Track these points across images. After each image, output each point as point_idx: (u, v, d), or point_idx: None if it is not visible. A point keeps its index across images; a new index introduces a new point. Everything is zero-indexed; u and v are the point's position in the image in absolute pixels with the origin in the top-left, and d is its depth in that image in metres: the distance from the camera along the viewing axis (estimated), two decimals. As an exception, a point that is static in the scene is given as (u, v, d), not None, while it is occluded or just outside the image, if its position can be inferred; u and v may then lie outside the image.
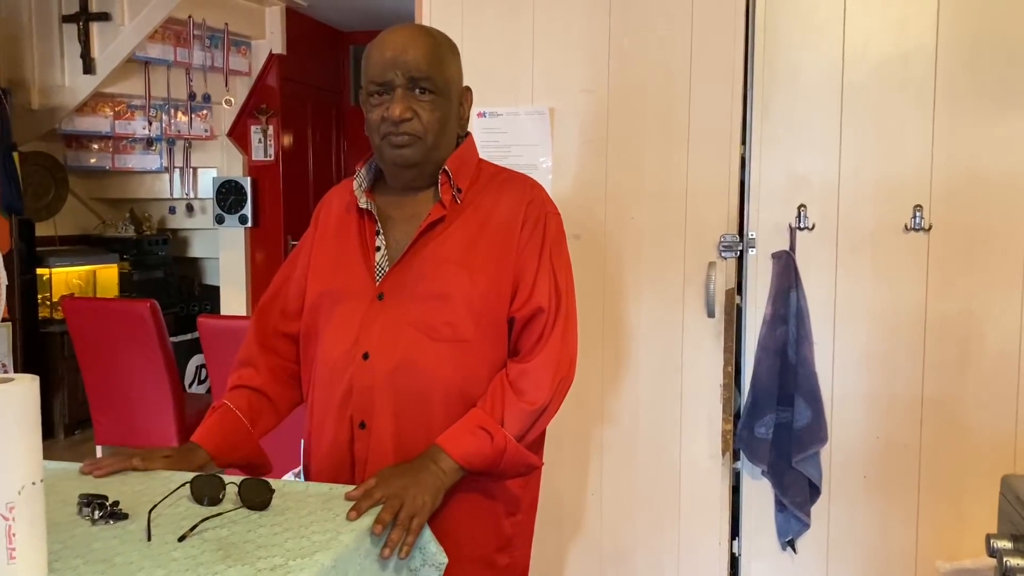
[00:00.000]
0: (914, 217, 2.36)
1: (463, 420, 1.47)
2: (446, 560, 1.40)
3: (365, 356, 1.48)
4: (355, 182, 1.58)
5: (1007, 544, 1.49)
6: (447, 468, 1.41)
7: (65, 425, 4.94)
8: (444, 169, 1.53)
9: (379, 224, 1.54)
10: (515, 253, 1.52)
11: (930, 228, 2.36)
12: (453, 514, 1.48)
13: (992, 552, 1.50)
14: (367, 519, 1.24)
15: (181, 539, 1.14)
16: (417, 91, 1.47)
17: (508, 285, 1.52)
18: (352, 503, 1.28)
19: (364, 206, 1.54)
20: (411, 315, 1.48)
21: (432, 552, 1.38)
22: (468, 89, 1.59)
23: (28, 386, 0.97)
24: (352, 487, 1.35)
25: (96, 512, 1.20)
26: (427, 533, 1.38)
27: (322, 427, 1.55)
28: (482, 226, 1.53)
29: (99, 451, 3.79)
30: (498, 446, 1.45)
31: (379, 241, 1.53)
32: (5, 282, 1.56)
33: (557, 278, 1.55)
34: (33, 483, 0.98)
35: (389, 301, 1.50)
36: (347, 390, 1.49)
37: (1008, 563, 1.43)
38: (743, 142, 2.47)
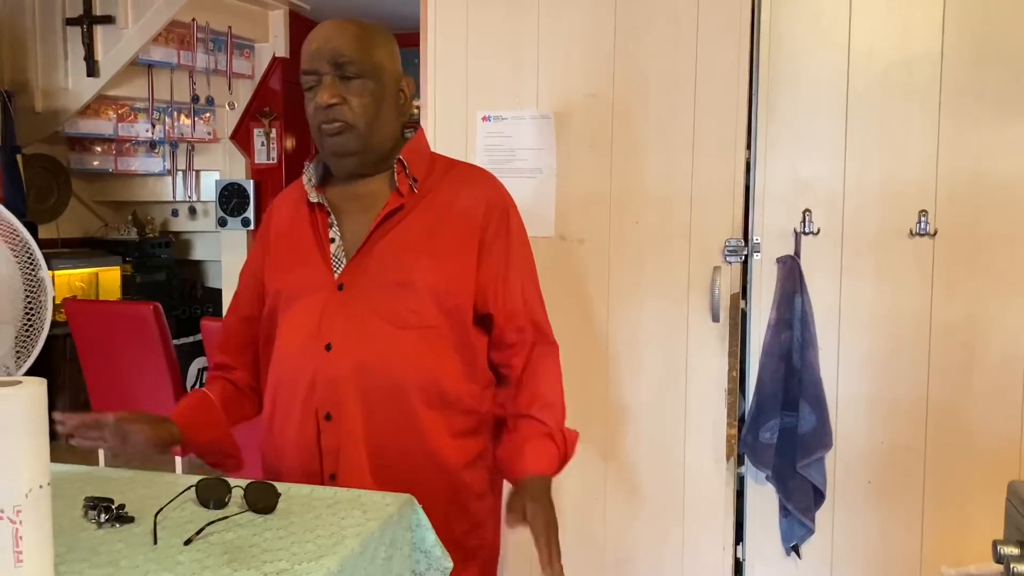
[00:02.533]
0: (919, 222, 2.36)
1: (526, 439, 1.54)
2: (451, 565, 1.40)
3: (328, 348, 1.48)
4: (304, 178, 1.59)
5: (1014, 550, 1.49)
6: (549, 482, 1.51)
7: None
8: (399, 159, 1.54)
9: (332, 216, 1.55)
10: (479, 244, 1.54)
11: (935, 233, 2.36)
12: (421, 498, 1.47)
13: (999, 558, 1.50)
14: (373, 522, 1.24)
15: (187, 543, 1.14)
16: (344, 77, 1.48)
17: (471, 274, 1.53)
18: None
19: (315, 199, 1.55)
20: (375, 304, 1.49)
21: (437, 556, 1.38)
22: (410, 80, 1.59)
23: (36, 389, 0.97)
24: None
25: (102, 515, 1.20)
26: (431, 537, 1.37)
27: (285, 421, 1.54)
28: (442, 215, 1.54)
29: (101, 453, 3.79)
30: (559, 442, 1.54)
31: (333, 232, 1.54)
32: (52, 293, 1.55)
33: (525, 281, 1.61)
34: (40, 486, 0.97)
35: (350, 291, 1.50)
36: (310, 383, 1.49)
37: (1015, 569, 1.42)
38: (748, 147, 2.46)
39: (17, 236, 1.49)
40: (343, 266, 1.51)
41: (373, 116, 1.50)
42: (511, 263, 1.58)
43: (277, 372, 1.56)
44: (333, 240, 1.53)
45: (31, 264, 1.46)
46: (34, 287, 1.45)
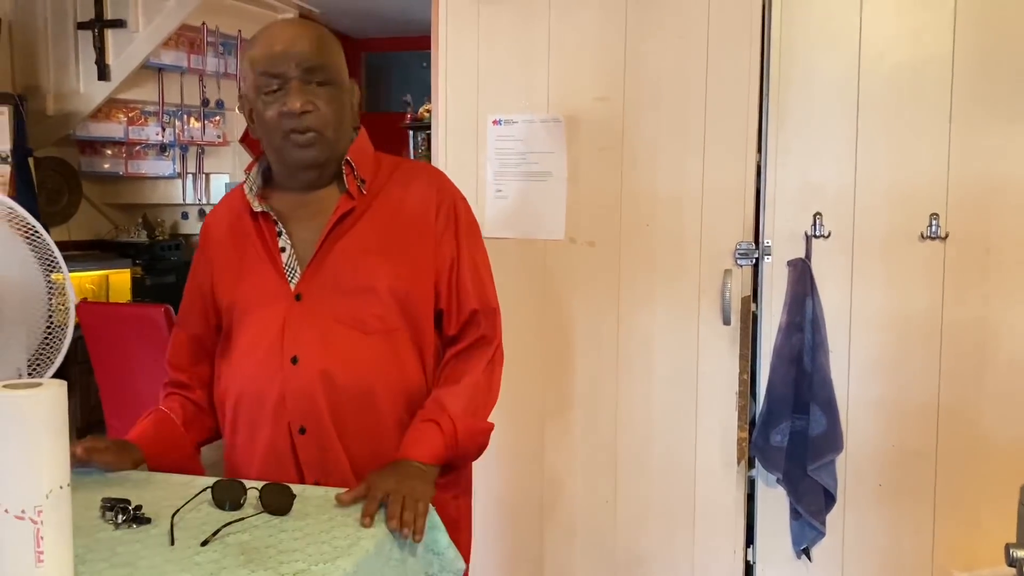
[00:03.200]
0: (930, 225, 2.35)
1: (412, 424, 1.49)
2: (463, 566, 1.40)
3: (294, 360, 1.45)
4: (246, 187, 1.54)
5: (1027, 554, 1.48)
6: (424, 467, 1.43)
7: (78, 429, 4.95)
8: (347, 160, 1.51)
9: (279, 225, 1.51)
10: (432, 242, 1.52)
11: (946, 236, 2.35)
12: None
13: (1011, 562, 1.49)
14: (384, 525, 1.25)
15: (204, 543, 1.15)
16: (313, 84, 1.44)
17: (429, 273, 1.52)
18: (344, 507, 1.30)
19: (259, 209, 1.51)
20: (338, 311, 1.47)
21: (451, 558, 1.39)
22: (356, 84, 1.58)
23: (56, 391, 0.98)
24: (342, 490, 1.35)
25: (119, 516, 1.21)
26: (444, 539, 1.38)
27: (252, 436, 1.51)
28: (394, 215, 1.52)
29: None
30: (447, 430, 1.47)
31: (282, 242, 1.51)
32: (75, 300, 1.56)
33: (480, 271, 1.58)
34: (60, 487, 0.98)
35: (309, 301, 1.47)
36: (279, 397, 1.46)
37: (1029, 573, 1.42)
38: (759, 150, 2.46)
39: (38, 238, 1.50)
40: (298, 275, 1.48)
41: (338, 124, 1.49)
42: (461, 256, 1.56)
43: (238, 387, 1.52)
44: (284, 249, 1.50)
45: (50, 267, 1.47)
46: (52, 290, 1.46)
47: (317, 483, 1.47)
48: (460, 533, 1.61)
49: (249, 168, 1.58)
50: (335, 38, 1.53)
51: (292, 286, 1.48)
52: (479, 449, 1.57)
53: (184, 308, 1.66)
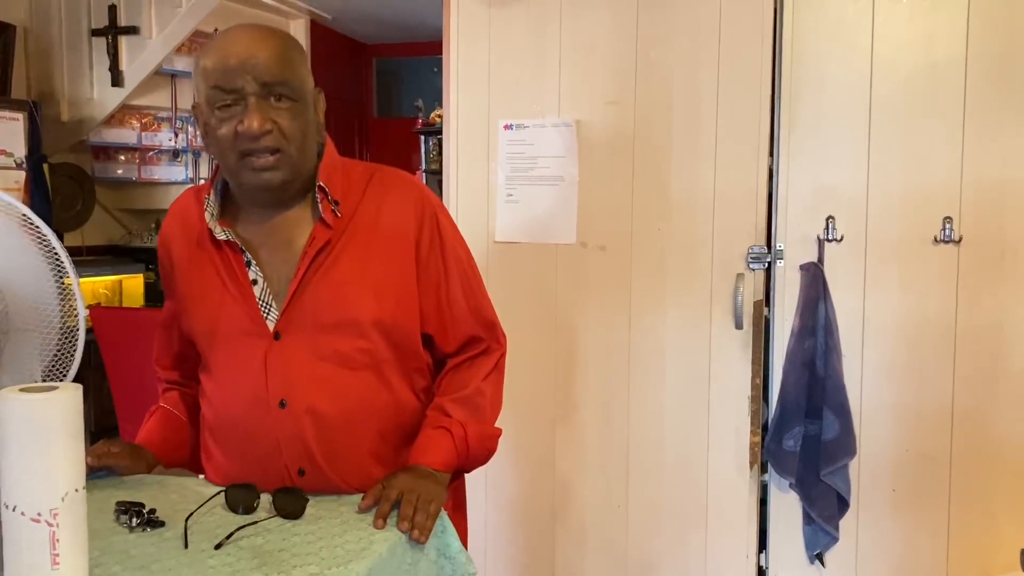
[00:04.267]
0: (943, 229, 2.34)
1: (421, 432, 1.47)
2: (475, 570, 1.40)
3: (282, 404, 1.38)
4: (206, 212, 1.40)
5: (1044, 559, 1.48)
6: (436, 472, 1.41)
7: (91, 433, 4.97)
8: (319, 186, 1.39)
9: (247, 254, 1.39)
10: (413, 263, 1.44)
11: (960, 240, 2.34)
12: None
13: (1028, 567, 1.49)
14: (396, 529, 1.25)
15: (217, 547, 1.15)
16: (272, 99, 1.31)
17: (413, 296, 1.45)
18: (363, 512, 1.29)
19: (223, 237, 1.38)
20: (320, 348, 1.38)
21: (462, 563, 1.38)
22: (320, 91, 1.44)
23: (72, 394, 0.98)
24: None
25: (133, 519, 1.21)
26: (456, 544, 1.38)
27: (251, 474, 1.41)
28: (371, 239, 1.42)
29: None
30: (457, 435, 1.45)
31: (252, 274, 1.39)
32: (84, 306, 1.55)
33: (472, 288, 1.53)
34: (76, 490, 0.99)
35: (289, 340, 1.38)
36: (273, 444, 1.40)
37: (1045, 579, 1.41)
38: (771, 153, 2.46)
39: (47, 243, 1.50)
40: (274, 311, 1.39)
41: (302, 142, 1.35)
42: (449, 278, 1.49)
43: (226, 421, 1.45)
44: (255, 282, 1.39)
45: (61, 272, 1.48)
46: (63, 295, 1.47)
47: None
48: None
49: (206, 188, 1.44)
50: (299, 45, 1.41)
51: (270, 324, 1.38)
52: (488, 454, 1.54)
53: (164, 315, 1.61)
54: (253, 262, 1.40)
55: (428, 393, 1.55)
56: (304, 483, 1.41)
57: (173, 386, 1.63)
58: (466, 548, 1.65)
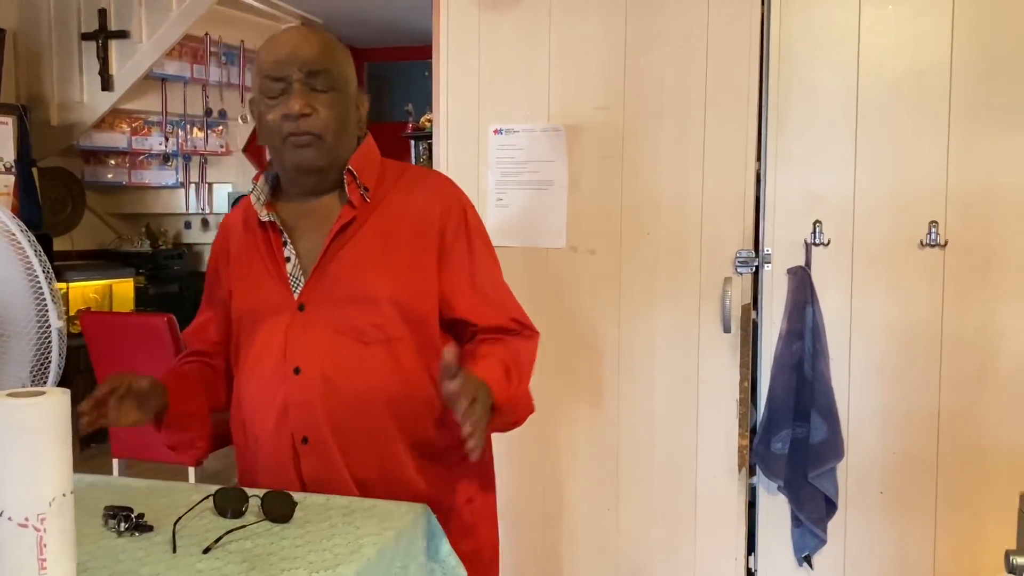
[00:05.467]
0: (929, 233, 2.36)
1: (481, 353, 1.47)
2: (464, 574, 1.41)
3: (296, 371, 1.45)
4: (253, 196, 1.54)
5: (1027, 561, 1.49)
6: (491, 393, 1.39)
7: (81, 438, 4.97)
8: (348, 169, 1.50)
9: (285, 235, 1.51)
10: (438, 249, 1.50)
11: (946, 244, 2.36)
12: None
13: (1011, 568, 1.49)
14: (390, 532, 1.25)
15: (206, 551, 1.15)
16: (315, 86, 1.44)
17: (433, 281, 1.50)
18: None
19: (265, 219, 1.51)
20: (337, 322, 1.46)
21: (452, 566, 1.39)
22: (365, 93, 1.57)
23: (59, 399, 0.99)
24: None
25: (121, 524, 1.22)
26: (446, 547, 1.39)
27: (259, 447, 1.51)
28: (396, 223, 1.51)
29: (115, 464, 3.81)
30: (513, 381, 1.46)
31: (287, 252, 1.51)
32: (57, 324, 1.56)
33: (493, 280, 1.57)
34: (63, 495, 0.99)
35: (311, 311, 1.47)
36: (282, 408, 1.46)
37: (1028, 580, 1.42)
38: (758, 158, 2.48)
39: (23, 246, 1.50)
40: (301, 285, 1.48)
41: (340, 129, 1.48)
42: (475, 264, 1.54)
43: (250, 399, 1.52)
44: (288, 259, 1.50)
45: (46, 277, 1.48)
46: (41, 302, 1.47)
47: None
48: (479, 538, 1.59)
49: (257, 177, 1.58)
50: (344, 47, 1.53)
51: (296, 296, 1.48)
52: (526, 412, 1.52)
53: (204, 316, 1.66)
54: (289, 241, 1.51)
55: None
56: (305, 452, 1.45)
57: (195, 357, 1.64)
58: (496, 536, 1.66)
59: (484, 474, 1.64)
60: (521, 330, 1.57)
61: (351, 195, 1.49)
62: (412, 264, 1.49)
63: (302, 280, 1.49)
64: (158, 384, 1.46)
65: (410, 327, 1.48)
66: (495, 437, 1.59)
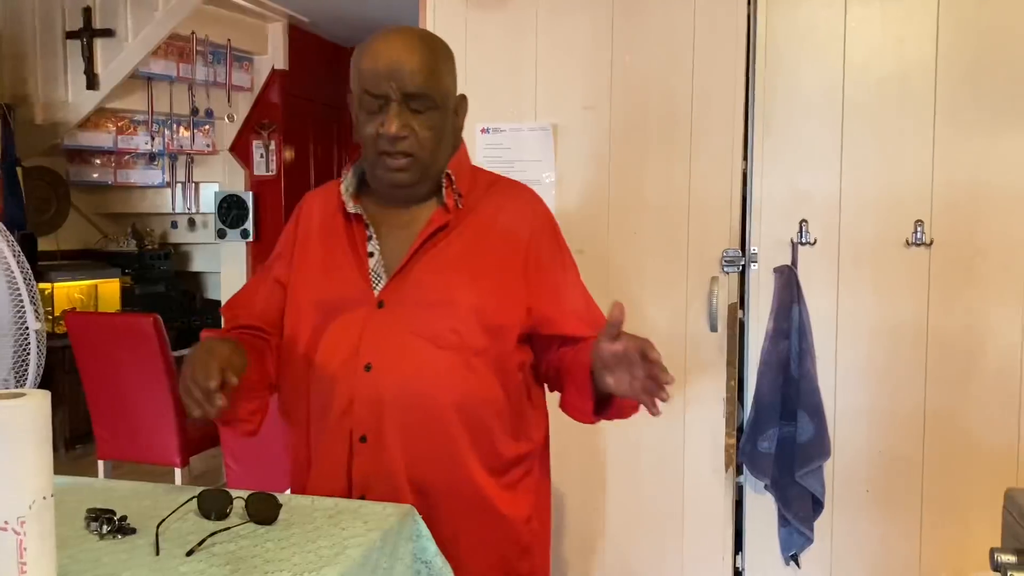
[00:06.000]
0: (915, 232, 2.37)
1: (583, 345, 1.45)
2: (451, 574, 1.40)
3: (367, 368, 1.43)
4: (342, 186, 1.53)
5: (1011, 558, 1.49)
6: None
7: (66, 440, 4.93)
8: (447, 173, 1.49)
9: (371, 229, 1.50)
10: (523, 263, 1.49)
11: (931, 243, 2.37)
12: (467, 522, 1.47)
13: (996, 566, 1.50)
14: (374, 533, 1.25)
15: (189, 553, 1.14)
16: (412, 106, 1.42)
17: (518, 294, 1.48)
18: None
19: (353, 211, 1.50)
20: (415, 323, 1.44)
21: (438, 567, 1.38)
22: (463, 97, 1.54)
23: (40, 401, 0.98)
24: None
25: (104, 527, 1.20)
26: (432, 548, 1.38)
27: (318, 443, 1.49)
28: (484, 233, 1.50)
29: (100, 466, 3.78)
30: None
31: (371, 247, 1.49)
32: (35, 326, 1.54)
33: (586, 298, 1.57)
34: (44, 497, 0.98)
35: (390, 309, 1.45)
36: (347, 403, 1.44)
37: (1013, 577, 1.43)
38: (745, 158, 2.48)
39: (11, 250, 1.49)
40: (383, 283, 1.47)
41: (435, 148, 1.45)
42: (571, 282, 1.55)
43: (315, 389, 1.49)
44: (372, 255, 1.49)
45: (25, 278, 1.46)
46: (19, 303, 1.46)
47: (363, 496, 1.44)
48: (535, 559, 1.58)
49: (347, 168, 1.56)
50: (449, 54, 1.49)
51: (376, 292, 1.46)
52: (632, 408, 1.48)
53: (253, 290, 1.61)
54: (374, 236, 1.50)
55: (521, 390, 1.53)
56: (362, 451, 1.44)
57: (246, 329, 1.56)
58: (548, 559, 1.64)
59: (542, 495, 1.62)
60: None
61: (447, 198, 1.48)
62: (497, 275, 1.48)
63: (384, 278, 1.47)
64: (239, 348, 1.40)
65: (488, 336, 1.46)
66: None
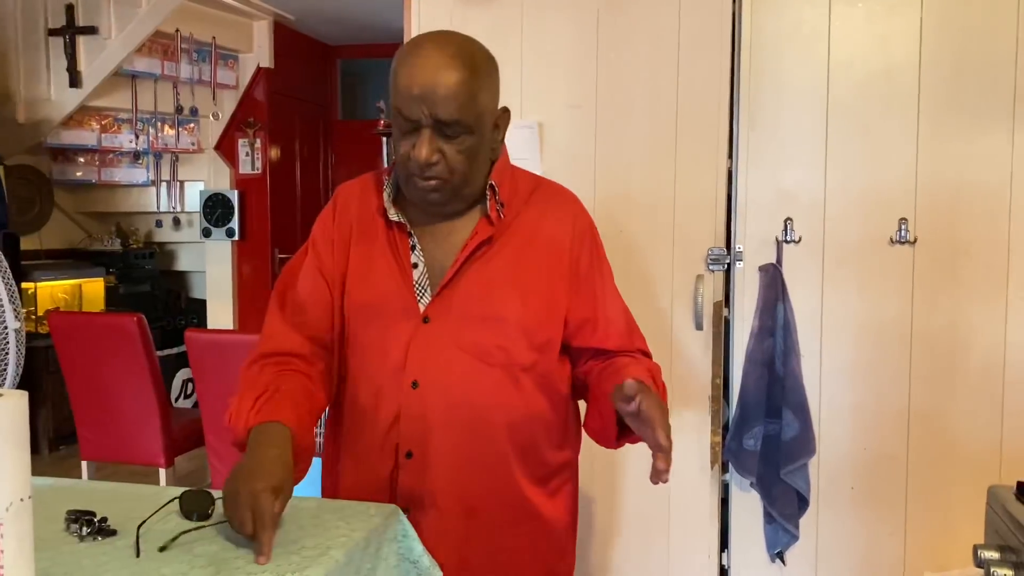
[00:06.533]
0: (899, 230, 2.38)
1: (624, 364, 1.46)
2: (440, 574, 1.39)
3: (414, 385, 1.42)
4: (385, 194, 1.48)
5: (994, 555, 1.50)
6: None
7: (50, 440, 4.90)
8: (491, 184, 1.45)
9: (414, 238, 1.46)
10: (568, 273, 1.48)
11: (915, 241, 2.38)
12: (519, 534, 1.48)
13: (979, 563, 1.51)
14: (358, 533, 1.24)
15: (162, 549, 1.13)
16: (445, 132, 1.36)
17: (562, 307, 1.47)
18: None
19: (395, 218, 1.46)
20: (462, 339, 1.42)
21: (426, 566, 1.37)
22: (505, 111, 1.47)
23: (17, 402, 0.96)
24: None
25: (84, 528, 1.19)
26: (419, 548, 1.37)
27: (359, 455, 1.48)
28: (528, 244, 1.47)
29: (84, 467, 3.76)
30: (660, 387, 1.47)
31: (414, 257, 1.45)
32: (15, 325, 1.52)
33: (624, 309, 1.58)
34: (21, 499, 0.97)
35: (436, 324, 1.42)
36: (393, 419, 1.43)
37: (995, 573, 1.44)
38: (730, 156, 2.48)
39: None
40: (427, 295, 1.44)
41: (467, 171, 1.40)
42: (609, 294, 1.54)
43: (361, 401, 1.47)
44: (416, 266, 1.45)
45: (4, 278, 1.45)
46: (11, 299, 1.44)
47: (408, 510, 1.42)
48: (567, 558, 1.60)
49: (388, 171, 1.51)
50: (487, 69, 1.40)
51: (421, 307, 1.43)
52: None
53: (302, 285, 1.51)
54: (418, 246, 1.46)
55: (565, 402, 1.54)
56: (408, 467, 1.43)
57: (291, 366, 1.45)
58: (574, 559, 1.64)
59: (575, 497, 1.63)
60: (647, 359, 1.57)
61: (491, 211, 1.44)
62: (542, 288, 1.46)
63: (428, 290, 1.44)
64: (287, 453, 1.28)
65: (534, 352, 1.45)
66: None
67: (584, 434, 1.62)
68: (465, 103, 1.35)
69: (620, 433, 1.47)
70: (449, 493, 1.44)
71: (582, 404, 1.59)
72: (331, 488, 1.54)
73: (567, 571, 1.60)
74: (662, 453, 1.29)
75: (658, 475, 1.29)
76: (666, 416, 1.31)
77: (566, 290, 1.48)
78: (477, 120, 1.39)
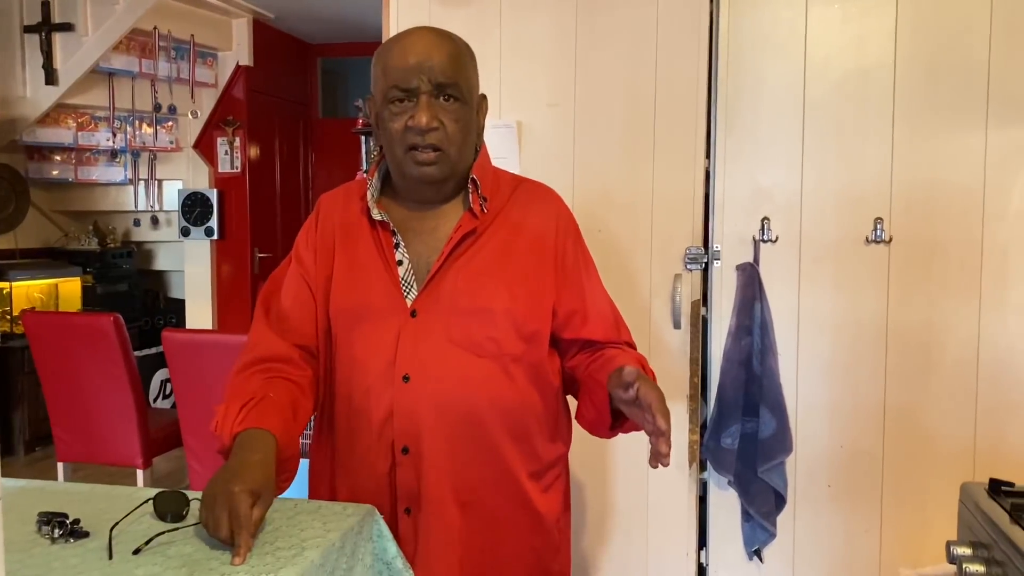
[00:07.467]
0: (875, 229, 2.40)
1: (616, 353, 1.48)
2: (412, 575, 1.39)
3: (405, 379, 1.42)
4: (368, 191, 1.49)
5: (966, 551, 1.52)
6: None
7: (25, 442, 4.85)
8: (472, 178, 1.46)
9: (398, 236, 1.47)
10: (553, 267, 1.49)
11: (890, 240, 2.40)
12: (514, 528, 1.49)
13: (952, 559, 1.53)
14: (333, 533, 1.24)
15: (136, 552, 1.13)
16: (442, 98, 1.40)
17: (549, 298, 1.49)
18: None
19: (379, 217, 1.47)
20: (452, 332, 1.43)
21: (398, 568, 1.37)
22: (484, 97, 1.52)
23: (-14, 403, 0.96)
24: None
25: (56, 530, 1.18)
26: (393, 549, 1.37)
27: (354, 452, 1.47)
28: (513, 237, 1.48)
29: (60, 468, 3.72)
30: (650, 375, 1.47)
31: (399, 254, 1.47)
32: None
33: (609, 301, 1.59)
34: (-9, 502, 0.96)
35: (424, 318, 1.43)
36: (386, 415, 1.43)
37: (967, 569, 1.45)
38: (707, 156, 2.50)
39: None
40: (414, 291, 1.45)
41: (462, 143, 1.43)
42: (595, 286, 1.56)
43: (353, 402, 1.47)
44: (400, 263, 1.46)
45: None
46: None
47: (408, 509, 1.44)
48: (562, 559, 1.60)
49: (371, 172, 1.52)
50: (471, 52, 1.48)
51: (408, 302, 1.44)
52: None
53: (286, 298, 1.52)
54: (401, 243, 1.47)
55: (556, 394, 1.55)
56: (405, 463, 1.43)
57: (277, 373, 1.45)
58: (570, 554, 1.66)
59: (567, 493, 1.64)
60: (633, 351, 1.58)
61: (473, 204, 1.46)
62: (528, 279, 1.47)
63: (415, 285, 1.45)
64: (269, 461, 1.28)
65: (524, 343, 1.46)
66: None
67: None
68: (459, 68, 1.42)
69: (613, 423, 1.48)
70: (447, 486, 1.44)
71: (573, 402, 1.59)
72: (328, 497, 1.52)
73: (561, 571, 1.60)
74: (663, 437, 1.31)
75: (659, 458, 1.32)
76: (663, 401, 1.33)
77: (553, 282, 1.49)
78: (468, 91, 1.44)
